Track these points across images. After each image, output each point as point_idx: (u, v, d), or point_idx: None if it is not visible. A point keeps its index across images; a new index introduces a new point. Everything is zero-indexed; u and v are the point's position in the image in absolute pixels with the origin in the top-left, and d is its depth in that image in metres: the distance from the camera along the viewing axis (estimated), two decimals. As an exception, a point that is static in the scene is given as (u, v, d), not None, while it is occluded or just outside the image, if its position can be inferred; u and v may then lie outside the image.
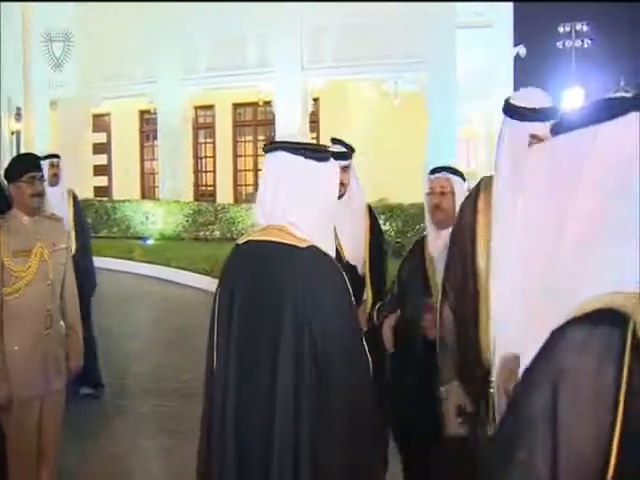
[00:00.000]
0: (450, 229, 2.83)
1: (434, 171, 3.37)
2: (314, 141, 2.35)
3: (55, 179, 5.83)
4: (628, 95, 1.09)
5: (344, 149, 3.57)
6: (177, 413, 5.52)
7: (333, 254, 2.12)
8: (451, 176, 3.31)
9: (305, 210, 2.06)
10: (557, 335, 0.95)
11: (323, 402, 1.95)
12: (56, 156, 5.95)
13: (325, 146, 2.30)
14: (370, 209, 3.92)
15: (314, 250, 2.03)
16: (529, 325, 1.14)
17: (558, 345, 0.94)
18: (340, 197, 3.17)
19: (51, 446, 3.53)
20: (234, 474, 2.03)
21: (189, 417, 5.33)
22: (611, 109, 1.06)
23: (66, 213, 5.84)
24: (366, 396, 2.04)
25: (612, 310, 0.91)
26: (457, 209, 2.87)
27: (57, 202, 5.73)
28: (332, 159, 2.16)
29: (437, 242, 3.24)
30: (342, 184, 3.27)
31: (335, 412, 1.96)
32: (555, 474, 0.90)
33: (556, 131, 1.14)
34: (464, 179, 3.35)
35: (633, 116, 1.03)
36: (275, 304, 2.00)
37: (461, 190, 3.24)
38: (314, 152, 2.11)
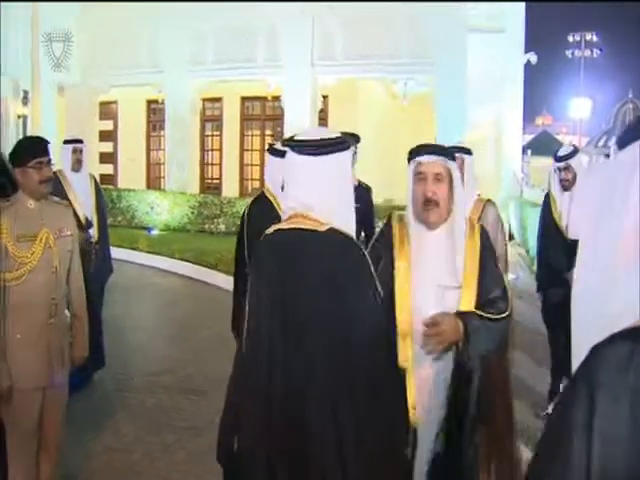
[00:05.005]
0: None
1: None
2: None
3: (78, 165, 5.71)
4: None
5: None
6: (179, 408, 5.44)
7: (353, 234, 2.33)
8: None
9: (323, 197, 2.28)
10: (598, 350, 0.94)
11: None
12: (79, 141, 5.79)
13: (340, 138, 2.35)
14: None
15: (333, 232, 2.24)
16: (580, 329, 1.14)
17: (598, 360, 0.93)
18: None
19: (53, 440, 3.42)
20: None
21: (191, 412, 5.27)
22: None
23: (90, 199, 5.75)
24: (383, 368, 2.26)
25: None
26: None
27: (82, 188, 5.64)
28: (351, 148, 2.37)
29: None
30: None
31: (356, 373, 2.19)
32: None
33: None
34: None
35: None
36: (300, 285, 2.23)
37: None
38: (324, 147, 2.27)
